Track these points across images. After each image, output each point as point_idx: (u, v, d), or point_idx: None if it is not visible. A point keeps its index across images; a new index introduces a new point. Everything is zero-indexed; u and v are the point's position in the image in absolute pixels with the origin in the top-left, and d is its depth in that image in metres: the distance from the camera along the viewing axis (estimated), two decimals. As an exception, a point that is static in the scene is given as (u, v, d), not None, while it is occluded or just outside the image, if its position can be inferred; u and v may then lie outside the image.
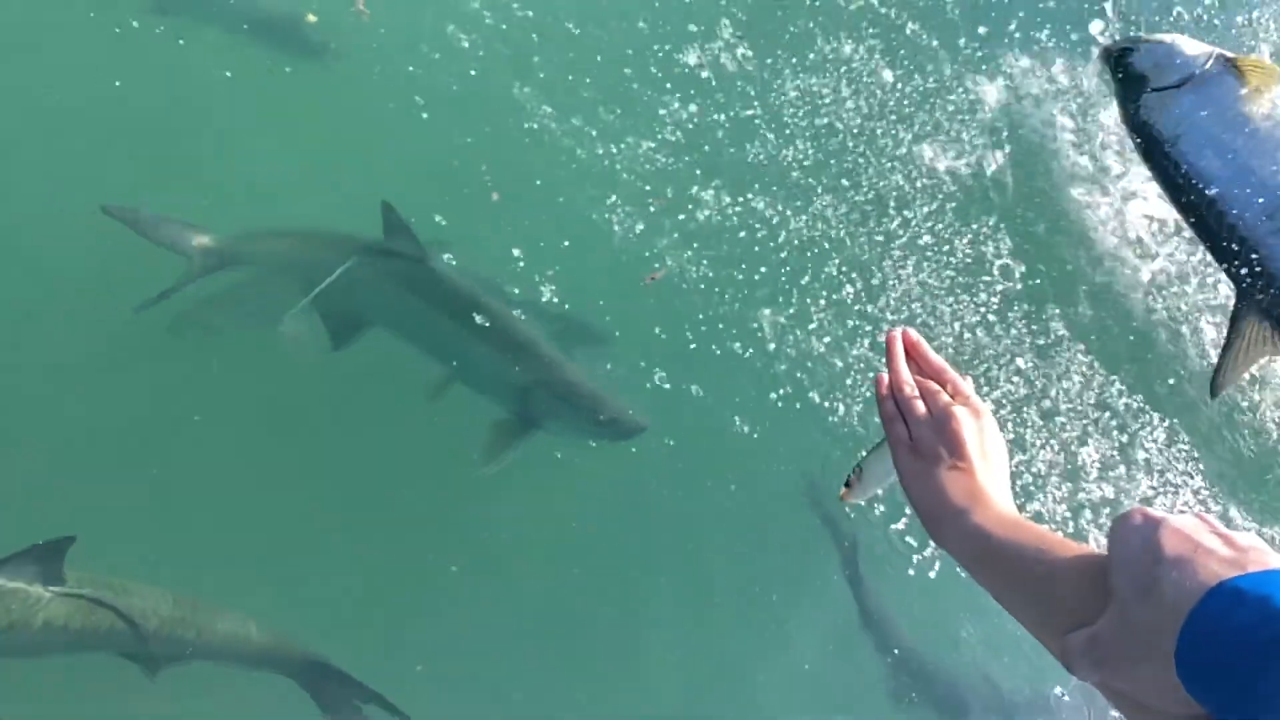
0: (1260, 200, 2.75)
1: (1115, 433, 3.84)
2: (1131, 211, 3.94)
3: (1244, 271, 2.82)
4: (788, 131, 4.29)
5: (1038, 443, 3.80)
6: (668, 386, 3.85)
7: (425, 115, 4.27)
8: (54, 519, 3.33)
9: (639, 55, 4.36)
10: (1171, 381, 3.83)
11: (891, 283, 3.98)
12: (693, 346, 3.94)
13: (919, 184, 4.07)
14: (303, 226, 3.79)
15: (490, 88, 4.31)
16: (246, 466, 3.76)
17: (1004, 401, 3.82)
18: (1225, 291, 3.69)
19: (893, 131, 4.23)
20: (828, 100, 4.34)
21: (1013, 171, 4.12)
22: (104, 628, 3.07)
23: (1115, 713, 0.92)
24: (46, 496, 3.50)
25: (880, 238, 4.05)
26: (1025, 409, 3.84)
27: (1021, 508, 3.66)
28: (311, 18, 4.51)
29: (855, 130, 4.27)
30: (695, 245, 4.07)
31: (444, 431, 3.79)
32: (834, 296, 3.97)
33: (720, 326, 3.98)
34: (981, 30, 4.30)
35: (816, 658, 4.21)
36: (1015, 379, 3.85)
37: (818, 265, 4.03)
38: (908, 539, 3.90)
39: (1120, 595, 0.86)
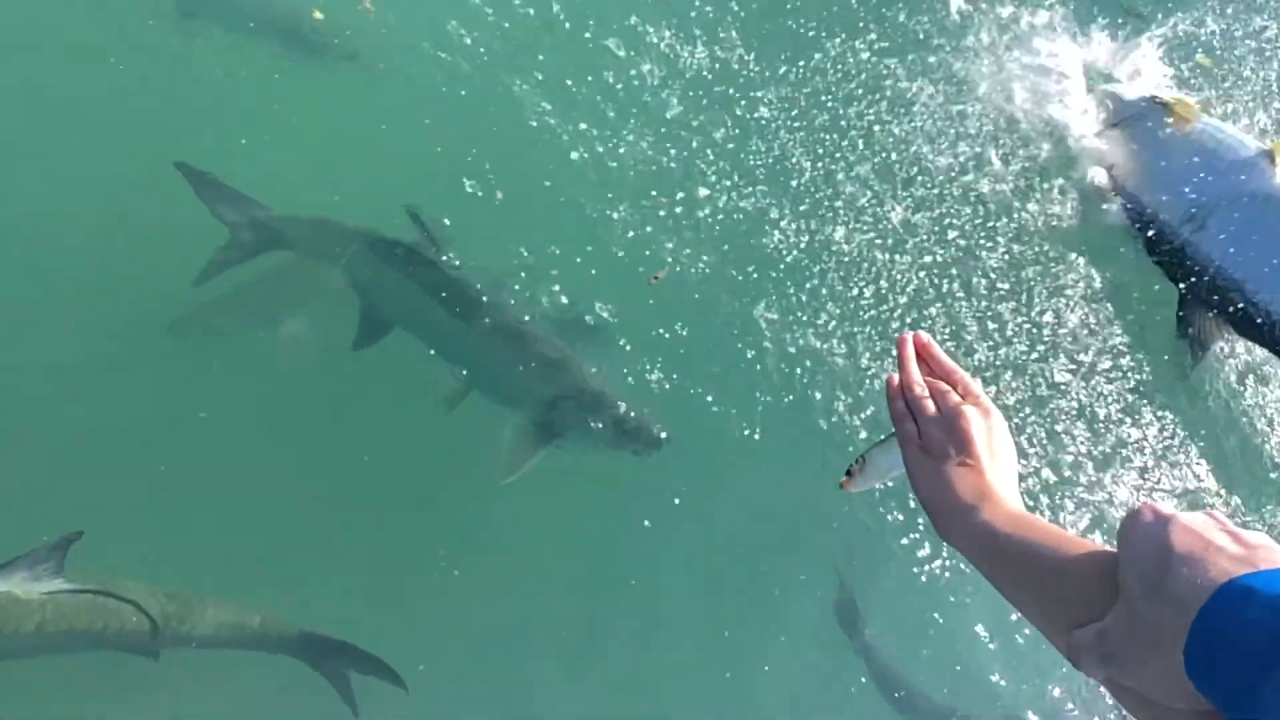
0: (1181, 208, 3.47)
1: (1116, 431, 3.85)
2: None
3: (1180, 270, 3.47)
4: (791, 129, 4.29)
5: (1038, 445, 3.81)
6: (668, 387, 3.85)
7: (426, 113, 4.28)
8: (53, 519, 3.33)
9: (638, 55, 4.37)
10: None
11: (900, 283, 3.98)
12: (693, 346, 3.94)
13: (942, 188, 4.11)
14: (350, 221, 3.78)
15: (491, 85, 4.31)
16: (248, 466, 3.75)
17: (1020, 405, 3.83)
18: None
19: (899, 131, 4.25)
20: (827, 100, 4.35)
21: (1012, 173, 4.14)
22: (100, 626, 3.07)
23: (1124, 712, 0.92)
24: (46, 497, 3.49)
25: (890, 239, 4.07)
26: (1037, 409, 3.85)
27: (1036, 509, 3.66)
28: (318, 14, 4.52)
29: (859, 129, 4.28)
30: (697, 244, 4.07)
31: (444, 431, 3.78)
32: (843, 295, 3.98)
33: (723, 326, 3.98)
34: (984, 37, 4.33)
35: (819, 658, 4.21)
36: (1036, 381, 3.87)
37: (822, 265, 4.04)
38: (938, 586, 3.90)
39: (1129, 592, 0.86)
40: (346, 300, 4.07)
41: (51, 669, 3.13)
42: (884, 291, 3.98)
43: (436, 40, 4.36)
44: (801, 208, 4.14)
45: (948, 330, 3.89)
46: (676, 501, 3.88)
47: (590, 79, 4.32)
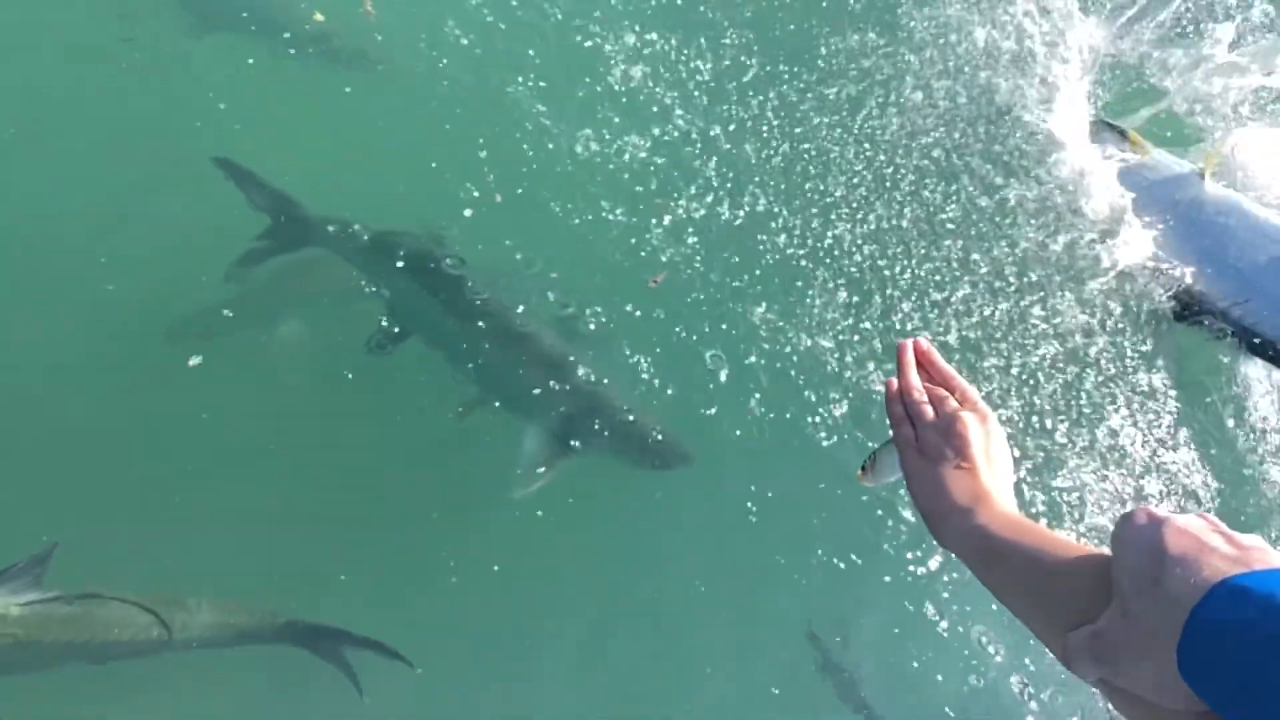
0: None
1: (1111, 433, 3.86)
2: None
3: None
4: (790, 130, 4.30)
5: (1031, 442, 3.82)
6: (670, 390, 3.85)
7: (424, 114, 4.29)
8: (54, 520, 3.34)
9: (637, 55, 4.38)
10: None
11: (899, 285, 3.99)
12: (691, 346, 3.94)
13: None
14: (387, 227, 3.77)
15: (489, 86, 4.31)
16: (247, 469, 3.75)
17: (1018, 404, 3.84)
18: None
19: (899, 131, 4.26)
20: (827, 98, 4.36)
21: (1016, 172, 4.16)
22: (85, 639, 3.03)
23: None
24: (47, 497, 3.49)
25: (890, 240, 4.08)
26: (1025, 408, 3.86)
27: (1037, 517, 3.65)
28: (319, 16, 4.53)
29: (856, 131, 4.29)
30: (694, 245, 4.08)
31: (444, 433, 3.78)
32: (843, 296, 3.98)
33: (721, 326, 3.99)
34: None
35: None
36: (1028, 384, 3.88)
37: (822, 266, 4.04)
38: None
39: (1123, 592, 0.87)
40: (343, 303, 4.09)
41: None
42: (884, 294, 3.99)
43: (434, 42, 4.37)
44: (800, 208, 4.14)
45: (948, 330, 3.90)
46: (674, 502, 3.88)
47: (588, 80, 4.33)
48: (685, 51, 4.44)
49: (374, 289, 3.74)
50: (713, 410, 3.90)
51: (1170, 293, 3.91)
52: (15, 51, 4.22)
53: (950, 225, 4.14)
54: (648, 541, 3.98)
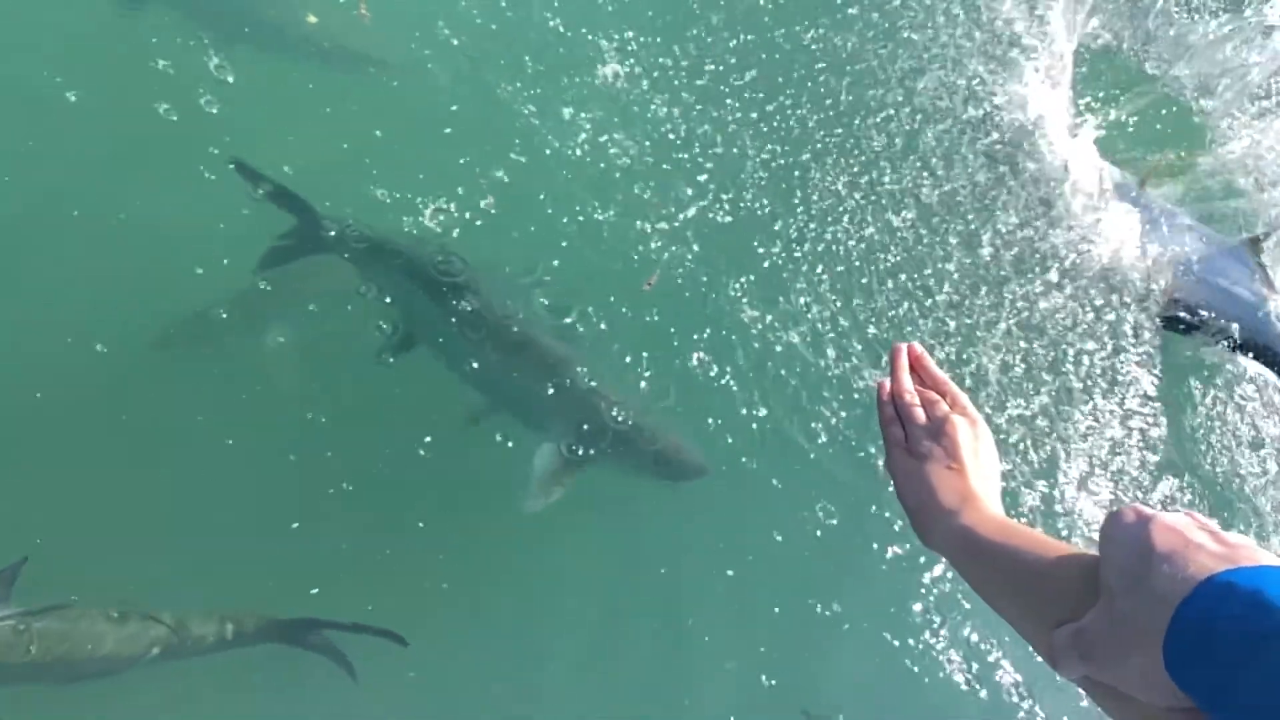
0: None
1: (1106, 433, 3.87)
2: None
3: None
4: (787, 131, 4.30)
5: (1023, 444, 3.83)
6: (670, 398, 3.85)
7: (421, 115, 4.29)
8: (52, 520, 3.34)
9: (636, 54, 4.38)
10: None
11: (899, 287, 4.00)
12: (692, 350, 3.95)
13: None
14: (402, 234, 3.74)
15: (480, 88, 4.32)
16: (248, 471, 3.74)
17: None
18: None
19: (899, 132, 4.27)
20: (826, 98, 4.36)
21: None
22: (50, 660, 3.01)
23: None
24: (44, 498, 3.49)
25: (890, 242, 4.08)
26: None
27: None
28: (312, 19, 4.53)
29: (851, 130, 4.29)
30: (692, 246, 4.08)
31: (447, 433, 3.78)
32: (841, 297, 3.99)
33: (719, 327, 3.99)
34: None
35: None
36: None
37: (822, 268, 4.05)
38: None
39: (1110, 589, 0.87)
40: (341, 304, 4.07)
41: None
42: (878, 295, 3.99)
43: (426, 42, 4.38)
44: (799, 208, 4.15)
45: (947, 332, 3.90)
46: (673, 502, 3.88)
47: (579, 80, 4.33)
48: (676, 52, 4.44)
49: (376, 294, 3.72)
50: (713, 412, 3.90)
51: (1159, 308, 4.02)
52: (15, 51, 4.23)
53: (948, 225, 4.14)
54: (651, 544, 3.99)
